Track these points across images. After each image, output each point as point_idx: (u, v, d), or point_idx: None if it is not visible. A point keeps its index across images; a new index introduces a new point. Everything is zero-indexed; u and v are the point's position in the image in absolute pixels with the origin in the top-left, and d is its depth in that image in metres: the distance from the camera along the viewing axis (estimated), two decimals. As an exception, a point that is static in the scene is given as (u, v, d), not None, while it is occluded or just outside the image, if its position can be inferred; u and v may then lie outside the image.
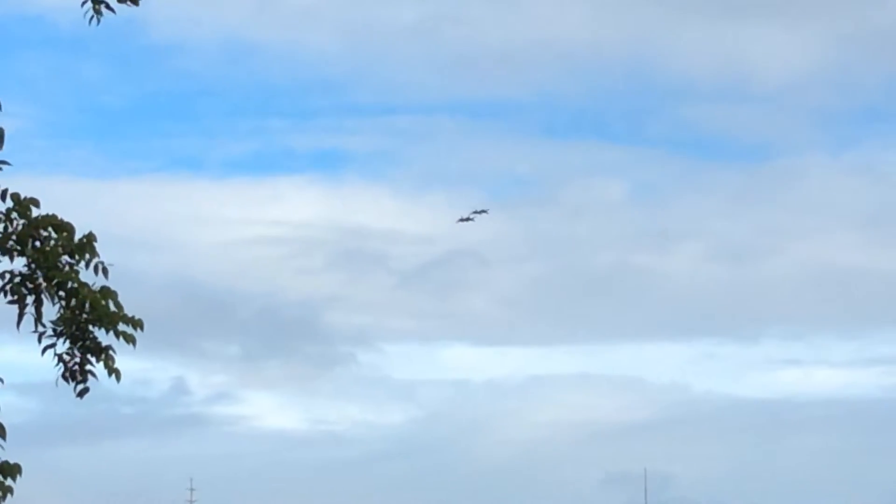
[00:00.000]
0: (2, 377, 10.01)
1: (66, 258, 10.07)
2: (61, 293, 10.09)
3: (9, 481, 9.91)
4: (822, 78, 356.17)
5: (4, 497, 10.04)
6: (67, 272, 10.02)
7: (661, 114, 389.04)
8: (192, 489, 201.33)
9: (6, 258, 10.10)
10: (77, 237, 10.02)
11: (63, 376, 10.24)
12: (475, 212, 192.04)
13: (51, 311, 10.20)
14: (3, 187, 9.86)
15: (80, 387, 10.25)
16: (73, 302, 10.11)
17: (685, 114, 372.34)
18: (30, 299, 10.11)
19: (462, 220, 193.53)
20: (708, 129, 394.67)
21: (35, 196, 9.81)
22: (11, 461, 9.89)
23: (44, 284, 10.03)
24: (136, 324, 10.09)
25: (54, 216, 9.90)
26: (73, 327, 10.14)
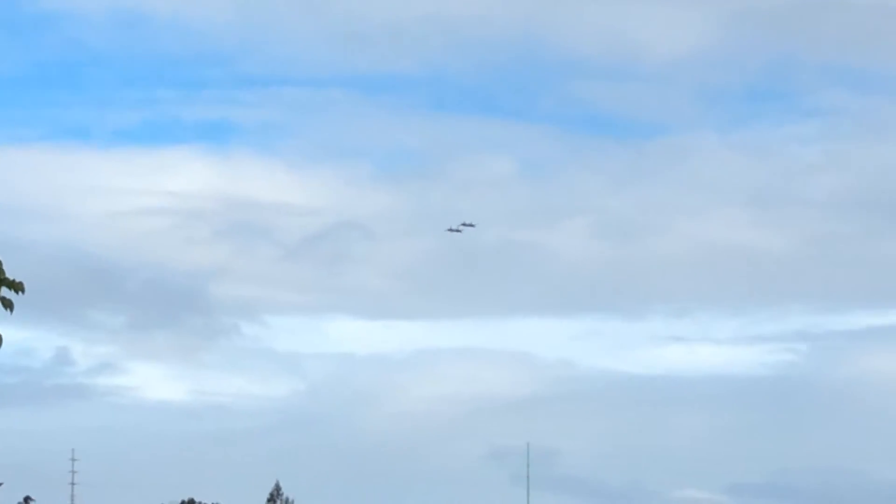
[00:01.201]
0: None
1: (-57, 224, 9.69)
2: (-62, 259, 9.73)
3: None
4: (710, 57, 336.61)
5: None
6: (-55, 237, 9.65)
7: (550, 90, 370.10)
8: (73, 460, 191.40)
9: None
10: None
11: None
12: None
13: (-72, 276, 9.75)
14: None
15: (-41, 352, 9.98)
16: (-49, 268, 9.79)
17: (574, 90, 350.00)
18: None
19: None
20: (597, 105, 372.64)
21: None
22: None
23: (-79, 249, 9.63)
24: (17, 287, 9.90)
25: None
26: (-49, 293, 9.89)
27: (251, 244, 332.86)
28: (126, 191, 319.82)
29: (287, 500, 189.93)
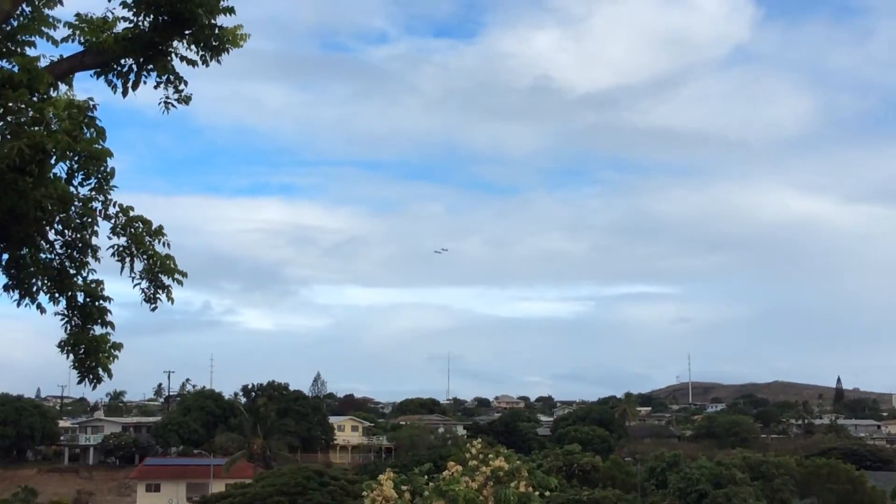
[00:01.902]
0: (113, 298, 11.47)
1: (147, 238, 11.20)
2: (144, 256, 11.24)
3: (117, 352, 11.40)
4: (543, 151, 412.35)
5: (111, 364, 11.44)
6: (148, 246, 11.18)
7: (461, 169, 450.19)
8: (211, 359, 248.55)
9: (115, 237, 11.20)
10: (154, 227, 11.19)
11: (143, 300, 11.39)
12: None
13: (138, 266, 11.30)
14: (114, 200, 11.03)
15: (153, 305, 11.44)
16: (151, 261, 11.25)
17: (474, 169, 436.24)
18: (128, 260, 11.22)
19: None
20: (485, 177, 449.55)
21: (131, 205, 11.10)
22: (118, 342, 11.43)
23: (135, 252, 11.22)
24: (183, 274, 11.36)
25: (142, 216, 11.13)
26: (150, 275, 11.31)
27: (305, 248, 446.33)
28: (239, 219, 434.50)
29: (323, 381, 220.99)
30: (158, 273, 11.37)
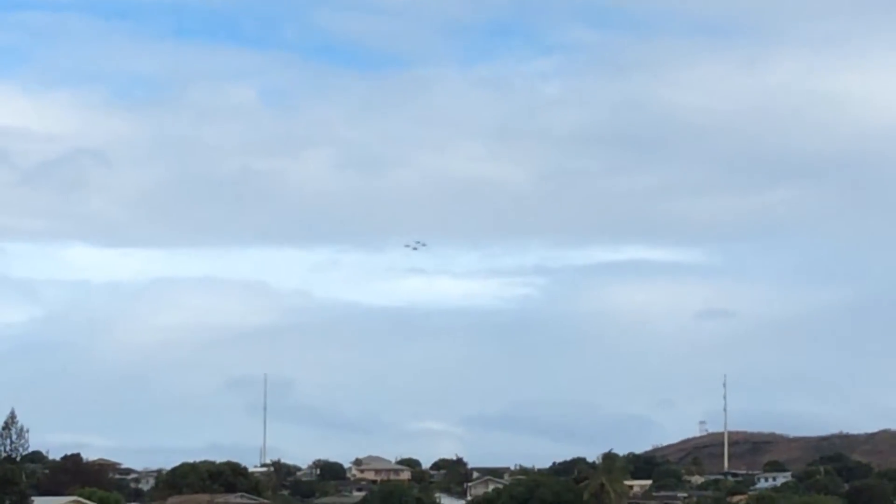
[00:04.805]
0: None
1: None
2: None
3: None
4: None
5: None
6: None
7: (294, 19, 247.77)
8: None
9: None
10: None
11: None
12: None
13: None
14: None
15: None
16: None
17: (319, 20, 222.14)
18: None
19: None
20: (341, 36, 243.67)
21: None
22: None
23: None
24: None
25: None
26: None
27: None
28: None
29: (22, 428, 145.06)
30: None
